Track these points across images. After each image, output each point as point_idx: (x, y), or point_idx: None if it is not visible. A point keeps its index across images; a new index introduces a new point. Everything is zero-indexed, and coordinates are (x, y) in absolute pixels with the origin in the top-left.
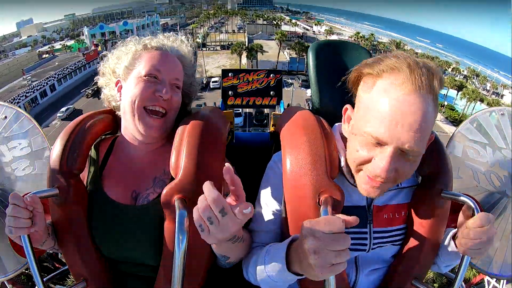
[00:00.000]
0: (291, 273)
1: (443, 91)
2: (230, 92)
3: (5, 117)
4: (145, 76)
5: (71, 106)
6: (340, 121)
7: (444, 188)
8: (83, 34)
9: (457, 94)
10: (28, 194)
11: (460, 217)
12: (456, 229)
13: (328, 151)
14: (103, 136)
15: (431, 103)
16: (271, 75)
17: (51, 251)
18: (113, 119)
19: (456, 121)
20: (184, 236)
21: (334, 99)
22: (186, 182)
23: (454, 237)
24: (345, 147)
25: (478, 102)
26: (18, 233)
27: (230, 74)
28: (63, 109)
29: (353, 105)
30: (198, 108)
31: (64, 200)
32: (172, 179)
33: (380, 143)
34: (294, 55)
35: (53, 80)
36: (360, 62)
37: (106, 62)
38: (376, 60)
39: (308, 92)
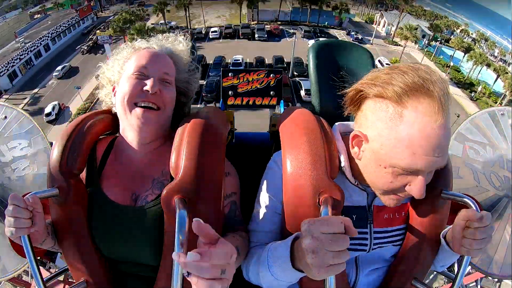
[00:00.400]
0: (295, 270)
1: (450, 52)
2: (230, 92)
3: (5, 117)
4: (132, 74)
5: (67, 64)
6: (340, 121)
7: (444, 188)
8: None
9: (463, 56)
10: (28, 194)
11: (459, 218)
12: (447, 229)
13: (328, 151)
14: (103, 136)
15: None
16: (271, 75)
17: (51, 251)
18: (113, 119)
19: (460, 83)
20: (184, 236)
21: (334, 99)
22: (186, 182)
23: (445, 237)
24: (346, 147)
25: (485, 67)
26: (18, 234)
27: (230, 74)
28: (59, 67)
29: (348, 118)
30: (198, 108)
31: (64, 200)
32: (172, 179)
33: (416, 173)
34: (297, 5)
35: (47, 39)
36: (361, 62)
37: (103, 74)
38: (385, 79)
39: (310, 43)
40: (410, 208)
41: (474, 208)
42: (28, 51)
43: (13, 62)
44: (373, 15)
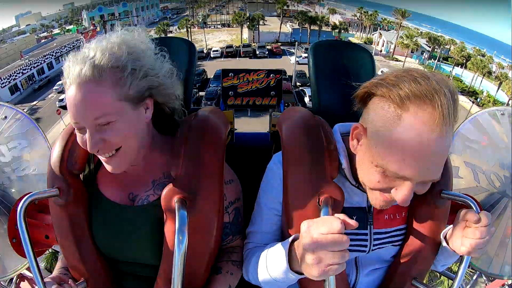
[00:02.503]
0: (293, 272)
1: (448, 68)
2: (230, 92)
3: (5, 117)
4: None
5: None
6: (340, 121)
7: (444, 188)
8: (82, 20)
9: (464, 66)
10: (28, 195)
11: (459, 217)
12: (448, 229)
13: (328, 151)
14: None
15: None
16: (271, 75)
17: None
18: None
19: (464, 92)
20: (184, 237)
21: (334, 99)
22: (186, 182)
23: (445, 237)
24: (346, 148)
25: (485, 79)
26: None
27: (230, 74)
28: (60, 82)
29: (359, 115)
30: (198, 109)
31: (64, 200)
32: (173, 181)
33: (403, 178)
34: (297, 27)
35: (51, 58)
36: (361, 62)
37: None
38: (392, 82)
39: (292, 59)
40: (410, 208)
41: (474, 208)
42: (31, 67)
43: (15, 76)
44: (371, 37)
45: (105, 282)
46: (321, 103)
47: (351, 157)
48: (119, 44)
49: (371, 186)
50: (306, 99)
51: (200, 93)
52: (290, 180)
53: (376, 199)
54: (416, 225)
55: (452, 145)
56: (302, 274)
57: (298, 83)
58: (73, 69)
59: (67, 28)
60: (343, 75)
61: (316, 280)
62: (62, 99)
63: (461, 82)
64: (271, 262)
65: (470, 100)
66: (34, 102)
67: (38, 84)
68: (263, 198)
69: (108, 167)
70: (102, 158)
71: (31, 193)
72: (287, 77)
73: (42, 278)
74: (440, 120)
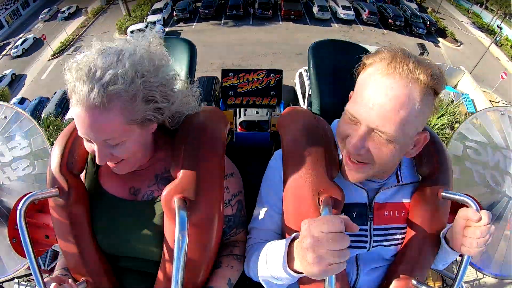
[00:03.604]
0: (291, 271)
1: (467, 5)
2: (230, 92)
3: (5, 117)
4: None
5: (54, 6)
6: None
7: (444, 188)
8: None
9: (485, 6)
10: (28, 195)
11: (459, 216)
12: (447, 228)
13: (328, 151)
14: None
15: (414, 93)
16: (271, 75)
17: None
18: None
19: (483, 28)
20: (185, 236)
21: (334, 99)
22: (186, 182)
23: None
24: None
25: (503, 25)
26: None
27: (230, 74)
28: (45, 10)
29: None
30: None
31: (64, 200)
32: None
33: (355, 121)
34: None
35: None
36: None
37: None
38: (375, 52)
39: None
40: (410, 207)
41: (474, 207)
42: (14, 1)
43: None
44: None
45: (105, 282)
46: (321, 103)
47: None
48: (132, 66)
49: (337, 131)
50: (315, 9)
51: (196, 3)
52: (290, 180)
53: (346, 166)
54: (416, 225)
55: (452, 145)
56: (301, 273)
57: None
58: (80, 88)
59: None
60: (343, 75)
61: (316, 279)
62: (63, 12)
63: (480, 18)
64: (271, 260)
65: (489, 38)
66: (21, 35)
67: None
68: (264, 195)
69: (113, 169)
70: (109, 165)
71: (31, 193)
72: None
73: (42, 278)
74: (389, 66)
